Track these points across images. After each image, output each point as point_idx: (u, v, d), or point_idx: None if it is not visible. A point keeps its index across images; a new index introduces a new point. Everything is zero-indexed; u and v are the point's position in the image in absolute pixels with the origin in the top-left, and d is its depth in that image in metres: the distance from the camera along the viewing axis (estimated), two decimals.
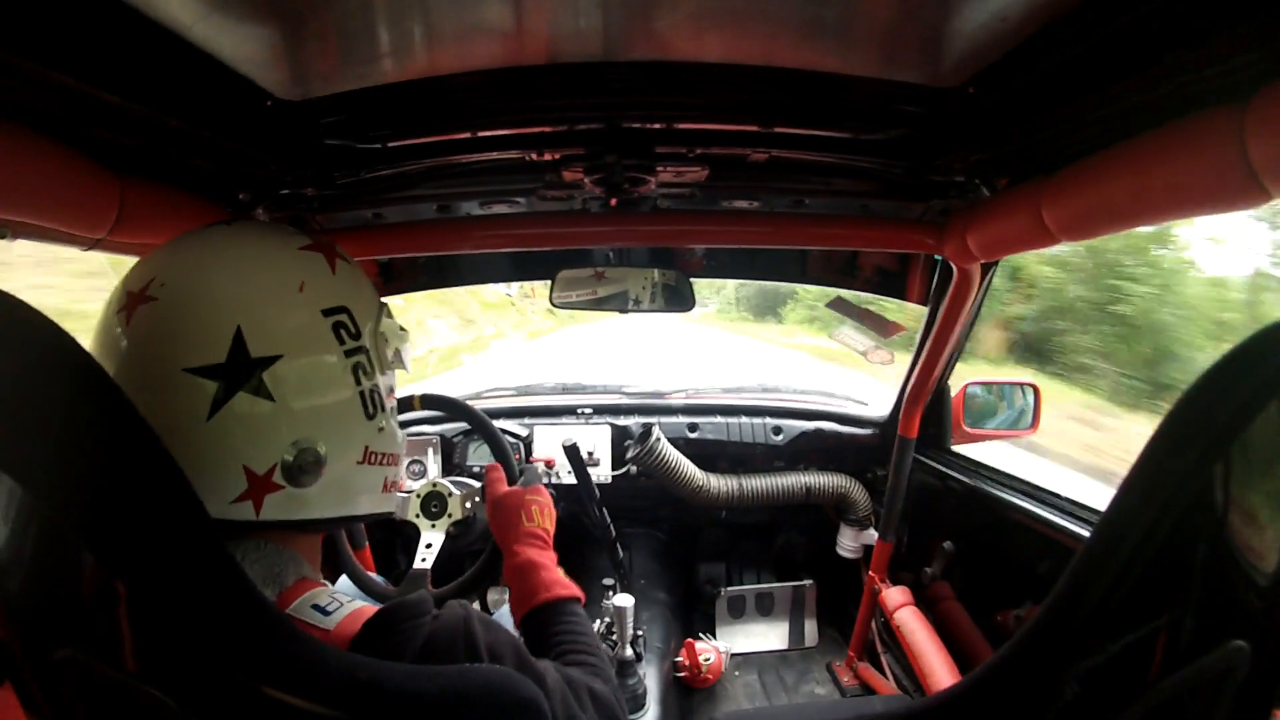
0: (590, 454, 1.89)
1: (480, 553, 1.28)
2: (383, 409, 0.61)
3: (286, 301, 0.54)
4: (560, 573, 0.84)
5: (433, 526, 1.31)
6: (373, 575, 1.34)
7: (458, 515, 1.33)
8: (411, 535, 1.32)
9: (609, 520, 1.73)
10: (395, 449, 0.65)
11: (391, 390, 0.66)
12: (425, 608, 0.53)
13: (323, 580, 0.59)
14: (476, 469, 1.89)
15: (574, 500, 1.87)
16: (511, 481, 1.03)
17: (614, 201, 1.16)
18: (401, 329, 0.67)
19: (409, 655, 0.50)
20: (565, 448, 1.61)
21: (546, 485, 1.86)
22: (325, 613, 0.52)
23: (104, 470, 0.38)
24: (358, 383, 0.58)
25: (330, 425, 0.56)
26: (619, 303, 1.53)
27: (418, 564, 1.26)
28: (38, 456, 0.38)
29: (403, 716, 0.43)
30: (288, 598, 0.53)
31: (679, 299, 1.53)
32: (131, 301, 0.52)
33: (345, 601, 0.54)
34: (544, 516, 0.93)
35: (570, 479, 1.87)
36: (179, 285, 0.52)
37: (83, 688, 0.40)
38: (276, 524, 0.54)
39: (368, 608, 0.53)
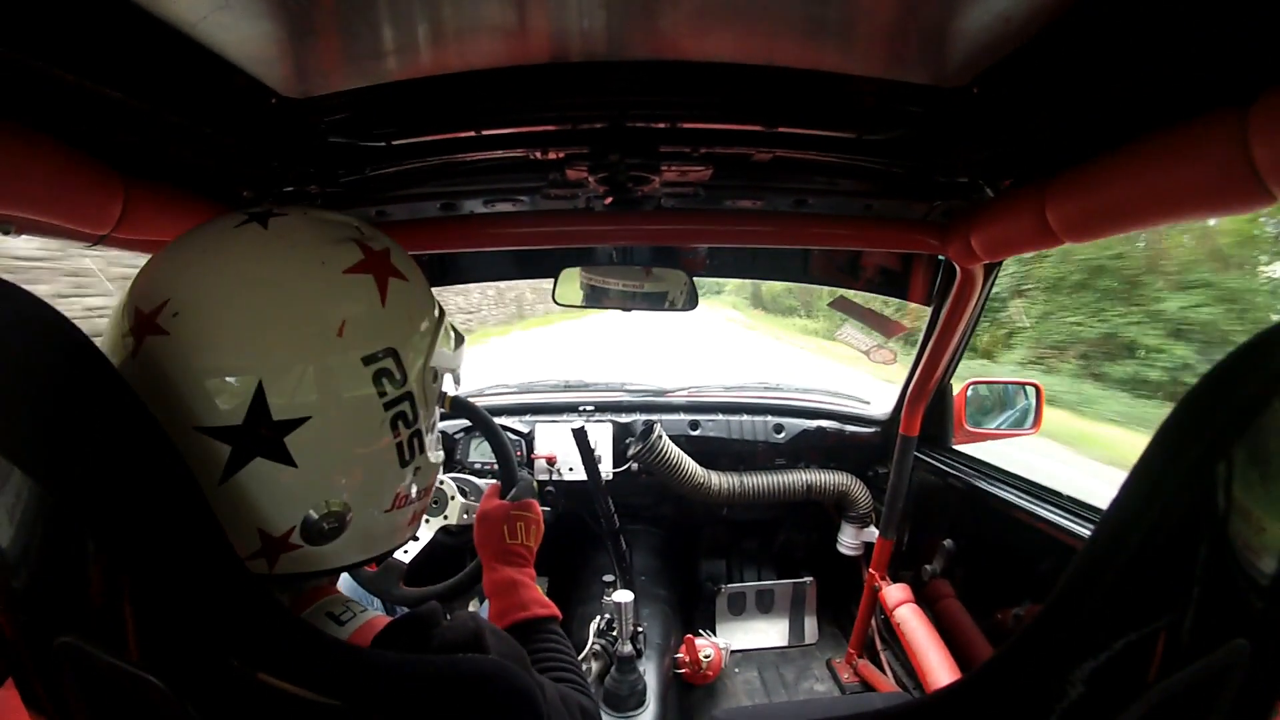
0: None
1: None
2: (422, 450, 0.55)
3: (321, 351, 0.46)
4: (539, 592, 0.85)
5: (426, 522, 1.31)
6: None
7: (454, 520, 1.34)
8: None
9: (614, 509, 1.74)
10: (430, 481, 0.58)
11: (435, 422, 0.59)
12: (436, 619, 0.52)
13: (336, 586, 0.59)
14: (477, 465, 1.90)
15: (575, 497, 1.87)
16: (508, 486, 1.02)
17: (608, 200, 1.16)
18: (457, 337, 0.60)
19: None
20: (574, 431, 1.64)
21: (547, 482, 1.88)
22: (339, 622, 0.52)
23: (109, 463, 0.39)
24: (395, 434, 0.51)
25: (358, 482, 0.50)
26: (622, 301, 1.53)
27: (399, 554, 1.25)
28: (40, 443, 0.39)
29: (398, 702, 0.43)
30: (303, 603, 0.54)
31: (682, 298, 1.54)
32: (141, 325, 0.45)
33: (358, 611, 0.54)
34: (527, 533, 0.92)
35: (573, 476, 1.87)
36: (194, 320, 0.45)
37: (81, 675, 0.40)
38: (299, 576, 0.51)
39: (380, 618, 0.53)
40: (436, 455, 0.59)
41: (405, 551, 1.26)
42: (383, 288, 0.50)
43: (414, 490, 0.56)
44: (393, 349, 0.50)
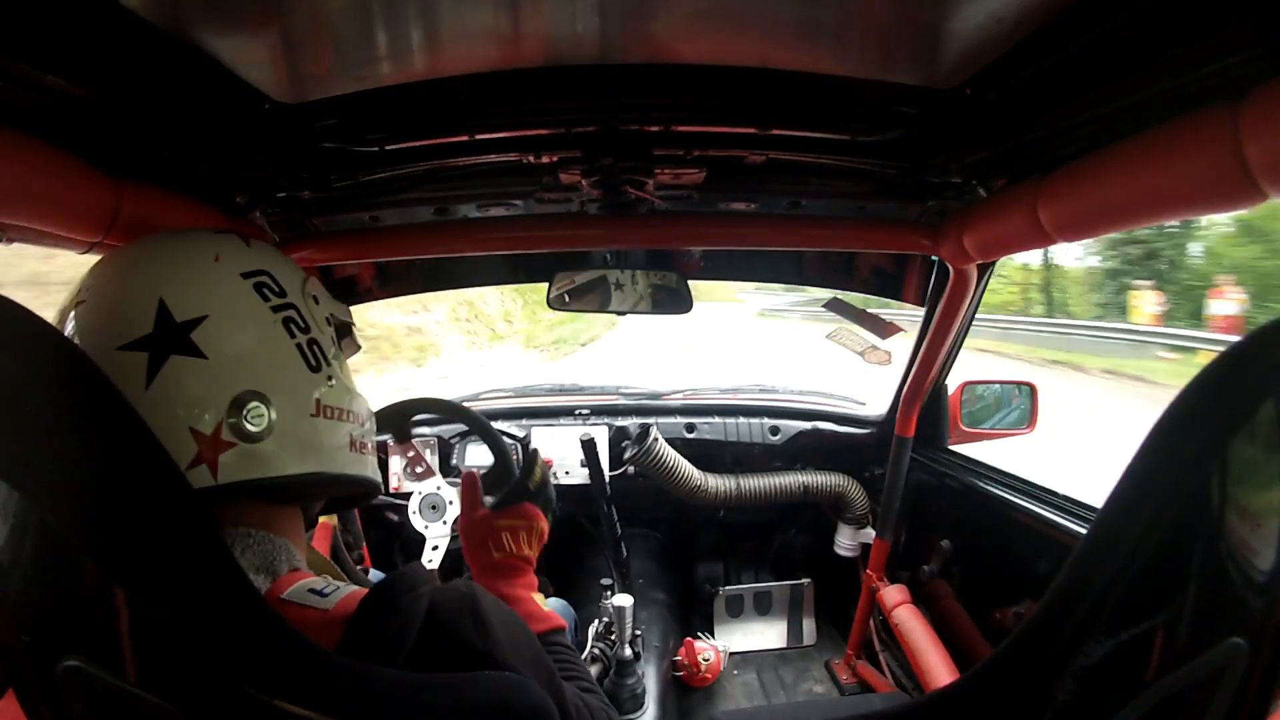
0: None
1: None
2: (328, 363, 0.62)
3: (204, 270, 0.56)
4: (537, 605, 0.82)
5: (426, 528, 1.32)
6: (369, 571, 1.35)
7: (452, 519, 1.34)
8: (411, 536, 1.32)
9: (616, 519, 1.74)
10: (353, 405, 0.65)
11: (339, 353, 0.66)
12: (423, 578, 0.52)
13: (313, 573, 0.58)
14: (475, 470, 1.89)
15: (573, 501, 1.87)
16: (496, 486, 0.96)
17: (602, 204, 1.15)
18: (345, 307, 0.70)
19: (413, 630, 0.48)
20: (584, 442, 1.68)
21: None
22: (322, 595, 0.51)
23: (100, 468, 0.38)
24: (292, 335, 0.59)
25: (270, 374, 0.56)
26: (617, 305, 1.53)
27: (424, 562, 1.26)
28: (32, 458, 0.38)
29: None
30: (282, 585, 0.53)
31: (677, 300, 1.54)
32: (65, 314, 0.54)
33: (341, 585, 0.53)
34: (517, 542, 0.86)
35: (569, 480, 1.87)
36: (103, 281, 0.55)
37: (88, 698, 0.40)
38: (245, 488, 0.53)
39: (361, 591, 0.52)
40: (353, 386, 0.66)
41: (430, 561, 1.28)
42: (245, 240, 0.61)
43: (336, 404, 0.62)
44: (264, 270, 0.59)
